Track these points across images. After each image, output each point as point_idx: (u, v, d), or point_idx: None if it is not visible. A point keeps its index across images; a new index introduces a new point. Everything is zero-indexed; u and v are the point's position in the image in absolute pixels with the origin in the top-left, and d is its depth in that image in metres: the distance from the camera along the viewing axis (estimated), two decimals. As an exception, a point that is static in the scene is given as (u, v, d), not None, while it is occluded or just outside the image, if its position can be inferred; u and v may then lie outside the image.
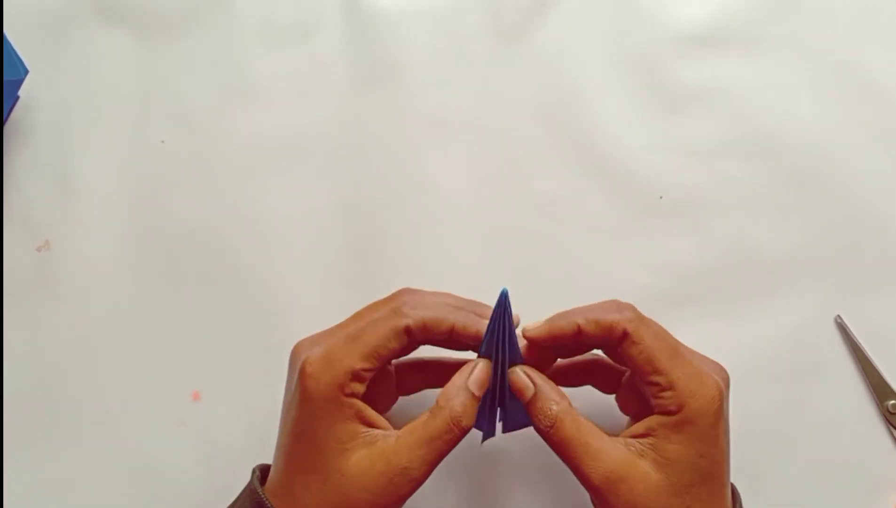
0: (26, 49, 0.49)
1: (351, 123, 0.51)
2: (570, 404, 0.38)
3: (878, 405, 0.47)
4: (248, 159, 0.51)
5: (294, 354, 0.40)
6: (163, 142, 0.51)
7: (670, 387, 0.36)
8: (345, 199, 0.51)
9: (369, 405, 0.38)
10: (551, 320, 0.39)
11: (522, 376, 0.38)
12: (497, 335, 0.37)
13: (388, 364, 0.41)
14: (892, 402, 0.47)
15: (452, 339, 0.38)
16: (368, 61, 0.52)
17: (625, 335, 0.37)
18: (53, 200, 0.51)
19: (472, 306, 0.40)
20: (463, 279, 0.49)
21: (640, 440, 0.37)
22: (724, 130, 0.50)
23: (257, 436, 0.48)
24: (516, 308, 0.38)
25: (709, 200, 0.50)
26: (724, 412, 0.37)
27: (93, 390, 0.49)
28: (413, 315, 0.37)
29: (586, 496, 0.38)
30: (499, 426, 0.41)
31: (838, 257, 0.49)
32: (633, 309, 0.39)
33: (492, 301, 0.37)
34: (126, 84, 0.52)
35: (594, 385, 0.43)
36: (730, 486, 0.39)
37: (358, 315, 0.39)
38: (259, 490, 0.38)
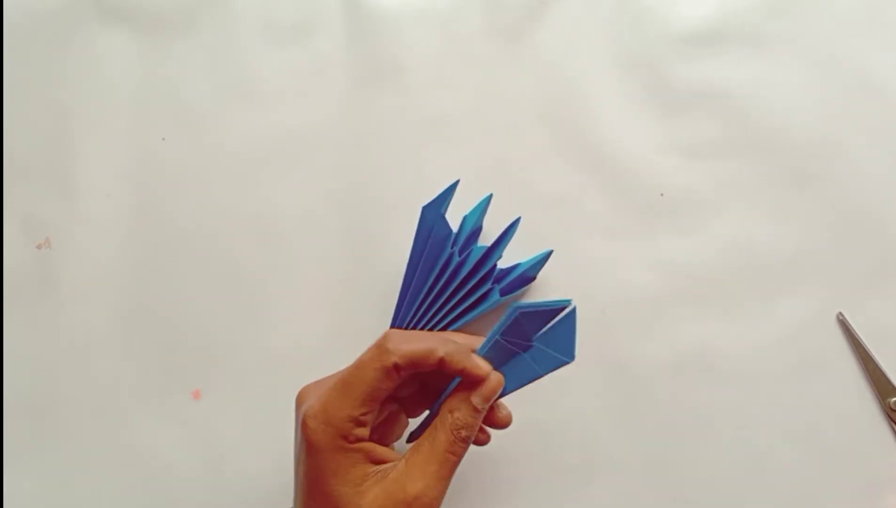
0: (26, 49, 0.49)
1: (351, 123, 0.51)
2: None
3: (879, 401, 0.47)
4: (249, 159, 0.51)
5: (297, 404, 0.39)
6: (164, 139, 0.51)
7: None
8: (345, 198, 0.51)
9: (380, 434, 0.39)
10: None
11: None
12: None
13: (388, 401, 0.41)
14: (894, 399, 0.47)
15: (442, 370, 0.38)
16: (368, 61, 0.52)
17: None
18: (54, 198, 0.51)
19: (463, 339, 0.40)
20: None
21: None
22: (725, 129, 0.50)
23: (257, 435, 0.48)
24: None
25: (709, 199, 0.50)
26: None
27: (93, 389, 0.49)
28: (399, 351, 0.37)
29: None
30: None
31: (839, 255, 0.49)
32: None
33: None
34: (126, 84, 0.52)
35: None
36: None
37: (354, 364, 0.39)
38: None
